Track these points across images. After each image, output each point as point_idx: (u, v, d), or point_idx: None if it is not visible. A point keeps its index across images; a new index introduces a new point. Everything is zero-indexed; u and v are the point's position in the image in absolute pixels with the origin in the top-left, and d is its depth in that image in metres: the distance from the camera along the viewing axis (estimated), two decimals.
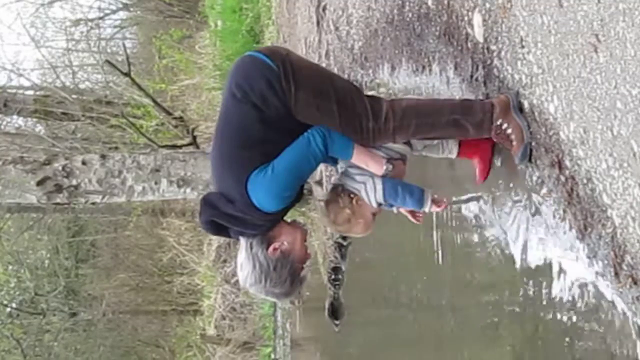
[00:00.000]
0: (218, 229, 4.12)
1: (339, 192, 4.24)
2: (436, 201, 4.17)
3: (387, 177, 4.13)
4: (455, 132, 4.19)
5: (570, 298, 4.11)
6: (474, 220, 5.55)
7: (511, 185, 4.61)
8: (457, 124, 4.11)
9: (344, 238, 9.89)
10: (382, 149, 4.19)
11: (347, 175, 4.25)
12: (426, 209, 4.20)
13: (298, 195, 4.10)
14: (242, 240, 4.08)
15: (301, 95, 3.97)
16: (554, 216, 4.00)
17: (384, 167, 4.11)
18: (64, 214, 21.26)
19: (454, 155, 4.48)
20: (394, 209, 4.40)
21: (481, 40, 4.51)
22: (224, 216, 3.99)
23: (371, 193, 4.14)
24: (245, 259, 4.05)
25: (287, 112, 3.96)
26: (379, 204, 4.19)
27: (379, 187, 4.13)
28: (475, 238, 5.54)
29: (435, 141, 4.37)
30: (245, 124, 3.95)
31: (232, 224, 4.01)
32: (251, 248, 4.03)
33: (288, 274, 4.04)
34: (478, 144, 4.50)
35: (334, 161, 4.35)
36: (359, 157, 4.09)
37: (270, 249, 4.01)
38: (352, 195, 4.19)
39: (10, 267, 23.06)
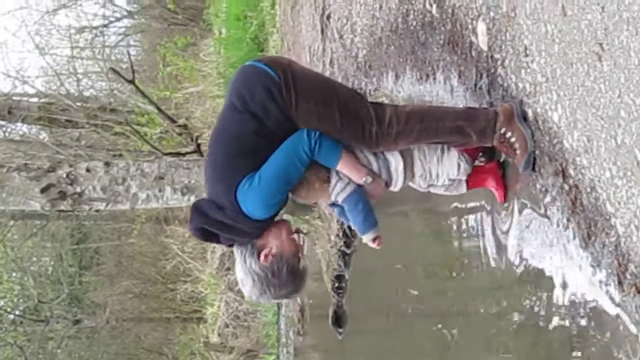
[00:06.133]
0: (208, 236, 4.17)
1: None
2: (376, 240, 4.25)
3: (361, 188, 4.19)
4: (458, 139, 4.20)
5: (573, 307, 4.10)
6: (477, 230, 5.55)
7: (514, 194, 4.61)
8: (460, 130, 4.14)
9: (348, 246, 9.88)
10: (379, 160, 4.24)
11: None
12: (364, 239, 4.29)
13: (284, 199, 4.13)
14: (236, 254, 4.15)
15: (303, 104, 3.99)
16: (558, 225, 4.00)
17: (364, 179, 4.16)
18: (67, 221, 21.26)
19: (464, 191, 4.52)
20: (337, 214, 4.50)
21: (485, 48, 4.51)
22: (214, 223, 4.04)
23: (338, 187, 4.19)
24: (243, 275, 4.13)
25: (286, 122, 4.00)
26: (333, 203, 4.27)
27: (347, 190, 4.18)
28: (479, 247, 5.53)
29: (440, 182, 4.39)
30: (240, 134, 3.99)
31: (222, 231, 4.06)
32: (245, 262, 4.09)
33: (288, 274, 4.10)
34: (484, 170, 4.54)
35: None
36: (343, 167, 4.13)
37: (262, 257, 4.06)
38: (327, 176, 4.22)
39: (13, 274, 23.07)
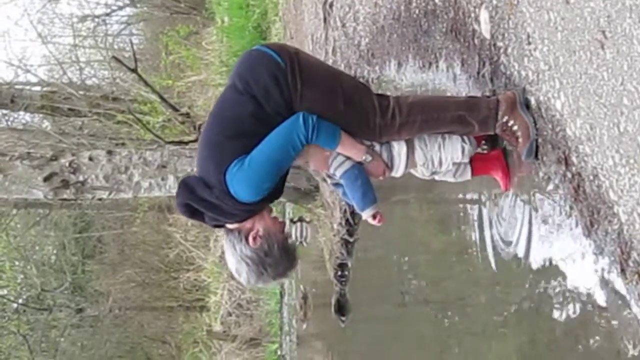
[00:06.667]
0: (193, 213, 4.14)
1: None
2: (376, 216, 4.26)
3: (361, 165, 4.21)
4: (460, 128, 4.22)
5: (576, 295, 4.11)
6: (480, 218, 5.55)
7: (517, 182, 4.61)
8: (462, 120, 4.14)
9: (351, 234, 9.89)
10: (384, 146, 4.26)
11: None
12: (363, 216, 4.31)
13: (278, 189, 4.13)
14: (225, 246, 4.15)
15: (308, 92, 4.00)
16: (560, 213, 4.00)
17: (364, 157, 4.18)
18: (70, 210, 21.29)
19: (468, 177, 4.52)
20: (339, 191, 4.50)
21: (488, 36, 4.51)
22: (200, 201, 4.02)
23: (337, 160, 4.22)
24: (236, 263, 4.13)
25: (286, 109, 3.99)
26: (330, 173, 4.29)
27: (346, 164, 4.20)
28: (481, 236, 5.54)
29: (444, 167, 4.39)
30: (238, 116, 3.98)
31: (208, 210, 4.04)
32: (235, 249, 4.09)
33: (280, 250, 4.11)
34: (488, 158, 4.53)
35: None
36: (343, 149, 4.14)
37: (250, 240, 4.06)
38: None
39: (16, 263, 23.11)
